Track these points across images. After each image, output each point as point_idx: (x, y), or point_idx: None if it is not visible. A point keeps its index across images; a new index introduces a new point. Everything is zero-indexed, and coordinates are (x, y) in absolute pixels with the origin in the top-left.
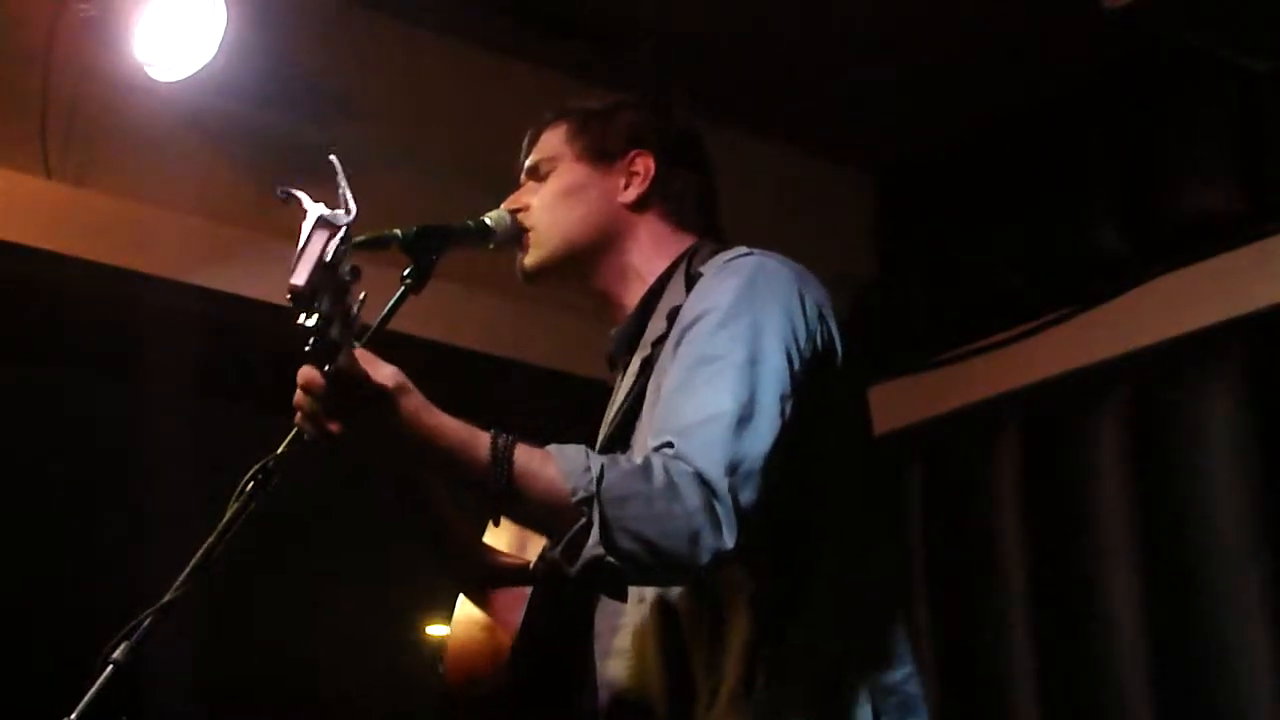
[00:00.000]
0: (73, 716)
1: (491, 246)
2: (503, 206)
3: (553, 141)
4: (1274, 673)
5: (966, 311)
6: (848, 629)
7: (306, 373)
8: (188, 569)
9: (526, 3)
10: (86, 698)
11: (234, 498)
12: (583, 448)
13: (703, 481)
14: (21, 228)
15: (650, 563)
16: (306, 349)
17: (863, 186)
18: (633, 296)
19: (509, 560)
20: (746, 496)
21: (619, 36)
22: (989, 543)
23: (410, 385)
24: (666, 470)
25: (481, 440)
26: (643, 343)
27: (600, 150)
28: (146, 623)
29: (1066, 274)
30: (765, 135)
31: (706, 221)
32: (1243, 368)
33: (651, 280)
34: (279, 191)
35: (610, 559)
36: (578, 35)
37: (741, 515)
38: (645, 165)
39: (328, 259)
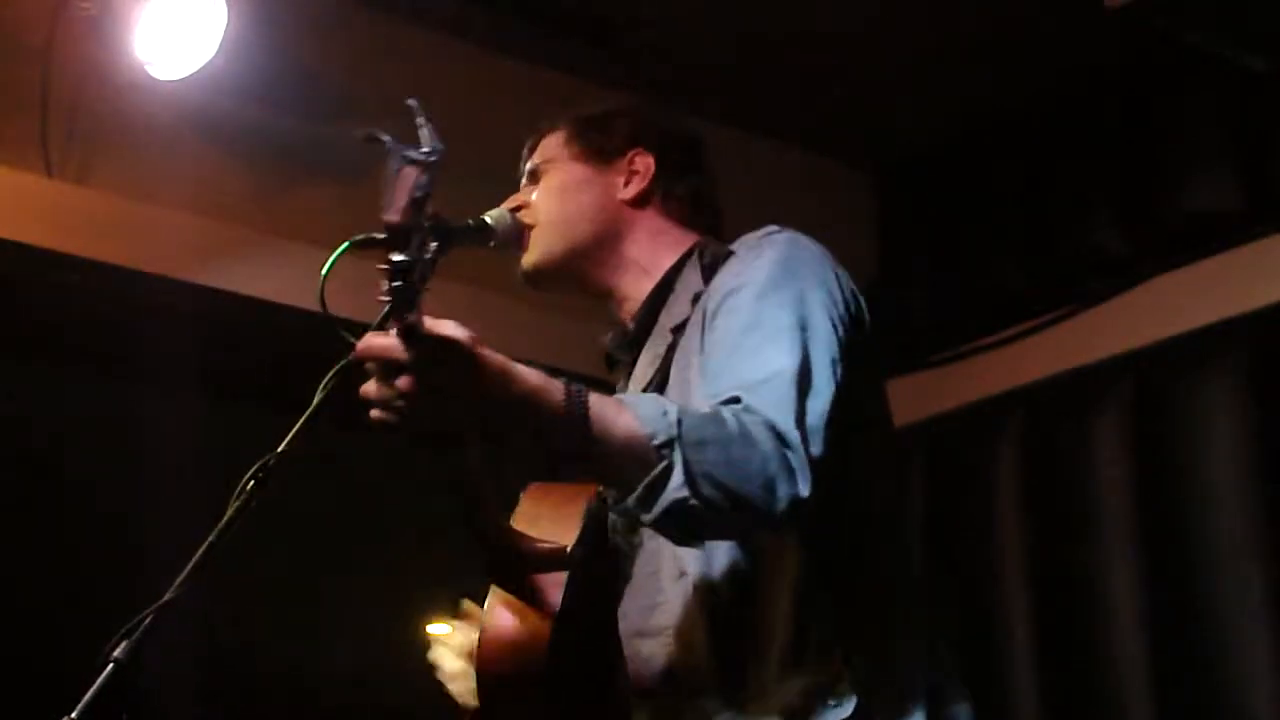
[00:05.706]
0: (73, 716)
1: (492, 245)
2: (502, 206)
3: (551, 146)
4: (1274, 670)
5: (967, 311)
6: (896, 602)
7: (374, 341)
8: (188, 568)
9: (528, 3)
10: (87, 696)
11: (235, 496)
12: (655, 395)
13: (776, 431)
14: (22, 226)
15: (728, 508)
16: (387, 295)
17: (863, 186)
18: (638, 289)
19: (540, 545)
20: (816, 449)
21: (619, 36)
22: (990, 541)
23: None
24: (739, 418)
25: (555, 387)
26: (658, 330)
27: (599, 150)
28: (147, 621)
29: (1067, 273)
30: (766, 135)
31: (708, 223)
32: (1243, 367)
33: (658, 274)
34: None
35: (694, 501)
36: (578, 35)
37: (813, 466)
38: (645, 164)
39: (418, 195)
